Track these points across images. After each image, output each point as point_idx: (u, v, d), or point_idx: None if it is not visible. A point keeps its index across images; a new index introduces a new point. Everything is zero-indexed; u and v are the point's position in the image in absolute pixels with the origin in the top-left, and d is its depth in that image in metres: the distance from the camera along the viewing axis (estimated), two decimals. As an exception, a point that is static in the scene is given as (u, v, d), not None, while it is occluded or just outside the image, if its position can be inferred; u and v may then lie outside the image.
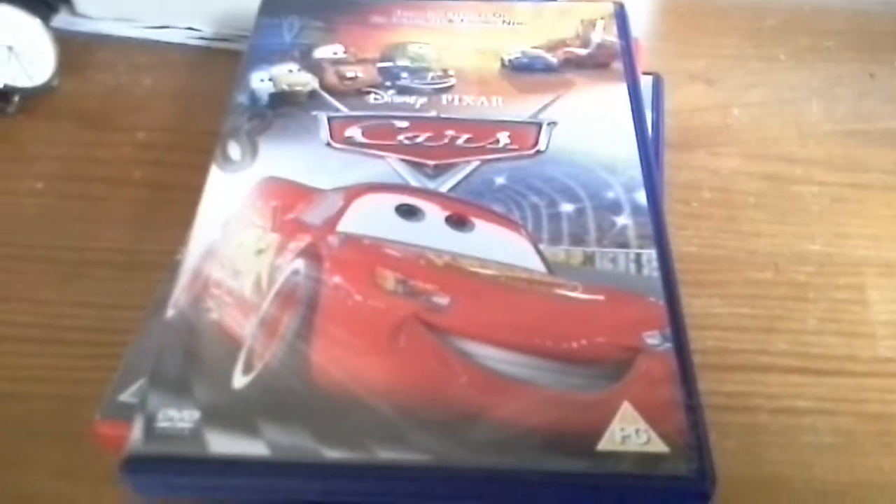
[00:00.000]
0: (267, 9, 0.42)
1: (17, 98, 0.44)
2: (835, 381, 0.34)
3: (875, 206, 0.41)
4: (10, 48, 0.44)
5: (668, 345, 0.28)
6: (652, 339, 0.28)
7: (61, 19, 0.50)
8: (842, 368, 0.34)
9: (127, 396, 0.29)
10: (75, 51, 0.48)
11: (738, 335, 0.35)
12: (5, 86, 0.43)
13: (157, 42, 0.49)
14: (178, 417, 0.26)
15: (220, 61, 0.48)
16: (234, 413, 0.26)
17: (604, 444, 0.26)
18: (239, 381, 0.27)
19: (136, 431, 0.26)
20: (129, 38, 0.49)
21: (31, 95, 0.45)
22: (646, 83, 0.43)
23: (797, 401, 0.33)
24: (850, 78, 0.48)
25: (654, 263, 0.31)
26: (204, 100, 0.45)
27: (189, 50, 0.49)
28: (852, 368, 0.34)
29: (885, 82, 0.47)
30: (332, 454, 0.25)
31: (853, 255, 0.38)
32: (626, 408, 0.26)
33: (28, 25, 0.45)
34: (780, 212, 0.40)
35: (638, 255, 0.31)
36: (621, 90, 0.38)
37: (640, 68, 0.41)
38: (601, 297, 0.30)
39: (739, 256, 0.38)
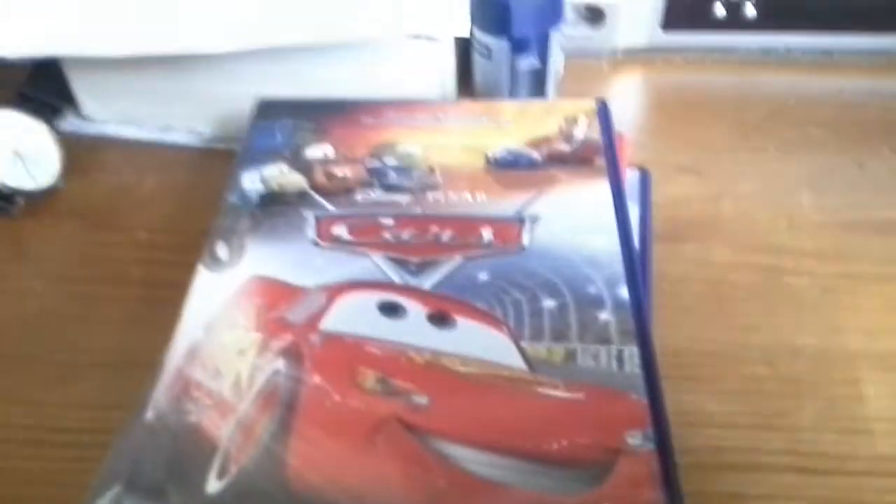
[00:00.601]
0: (261, 111, 0.44)
1: (21, 201, 0.46)
2: (832, 480, 0.33)
3: (867, 297, 0.40)
4: (15, 152, 0.45)
5: (651, 445, 0.28)
6: (634, 438, 0.28)
7: (67, 122, 0.52)
8: (840, 467, 0.33)
9: (104, 501, 0.29)
10: (80, 152, 0.50)
11: (731, 433, 0.34)
12: (10, 189, 0.45)
13: (160, 143, 0.51)
14: (151, 525, 0.26)
15: (219, 161, 0.49)
16: (206, 520, 0.26)
17: (584, 553, 0.25)
18: (213, 486, 0.27)
19: (108, 539, 0.26)
20: (133, 140, 0.51)
21: (36, 198, 0.46)
22: (632, 177, 0.44)
23: (793, 502, 0.32)
24: (839, 168, 0.48)
25: (637, 360, 0.31)
26: (203, 199, 0.46)
27: (190, 151, 0.51)
28: (851, 467, 0.33)
29: (874, 172, 0.48)
30: (305, 563, 0.25)
31: (847, 348, 0.38)
32: (607, 513, 0.26)
33: (34, 129, 0.46)
34: (773, 304, 0.40)
35: (620, 352, 0.31)
36: (604, 185, 0.38)
37: (625, 162, 0.41)
38: (582, 396, 0.30)
39: (732, 351, 0.38)
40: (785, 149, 0.49)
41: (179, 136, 0.51)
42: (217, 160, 0.49)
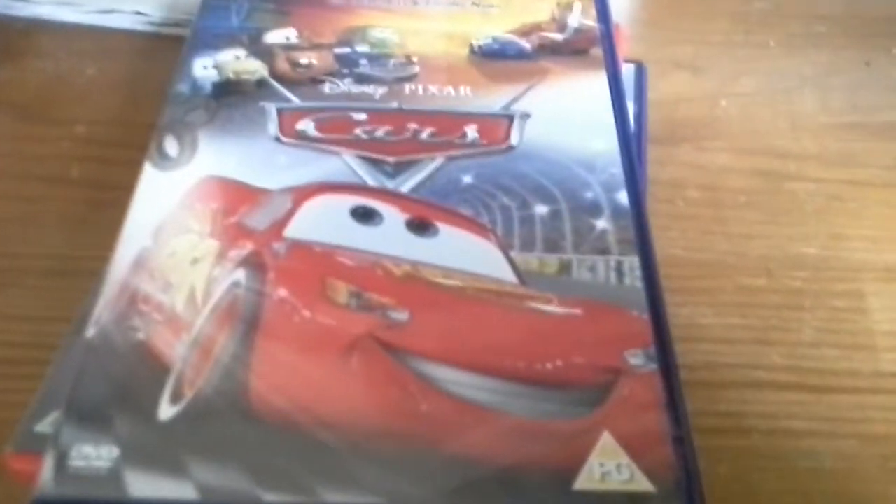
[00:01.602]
0: (215, -11, 0.39)
1: (-56, 88, 0.41)
2: (835, 398, 0.31)
3: (874, 205, 0.38)
4: (-66, 33, 0.40)
5: (653, 365, 0.25)
6: (635, 358, 0.25)
7: (-3, 2, 0.46)
8: (842, 385, 0.31)
9: (43, 426, 0.26)
10: (12, 37, 0.45)
11: (728, 348, 0.32)
12: (-71, 75, 0.40)
13: (102, 28, 0.46)
14: (95, 455, 0.23)
15: (169, 48, 0.44)
16: (158, 450, 0.23)
17: (581, 482, 0.23)
18: (165, 412, 0.24)
19: (47, 470, 0.23)
20: (72, 24, 0.46)
21: (-39, 86, 0.41)
22: (627, 72, 0.40)
23: (794, 421, 0.30)
24: (844, 66, 0.45)
25: (637, 272, 0.28)
26: (150, 90, 0.41)
27: (136, 36, 0.45)
28: (853, 384, 0.31)
29: (881, 71, 0.44)
30: (270, 497, 0.22)
31: (851, 258, 0.36)
32: (606, 439, 0.23)
33: (-44, 9, 0.41)
34: (773, 211, 0.37)
35: (619, 263, 0.28)
36: (601, 79, 0.35)
37: (621, 56, 0.38)
38: (578, 311, 0.27)
39: (729, 261, 0.35)
40: (788, 44, 0.46)
41: (123, 20, 0.46)
42: (165, 46, 0.44)
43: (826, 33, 0.47)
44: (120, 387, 0.24)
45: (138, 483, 0.22)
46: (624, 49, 0.40)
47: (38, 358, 0.30)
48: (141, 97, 0.42)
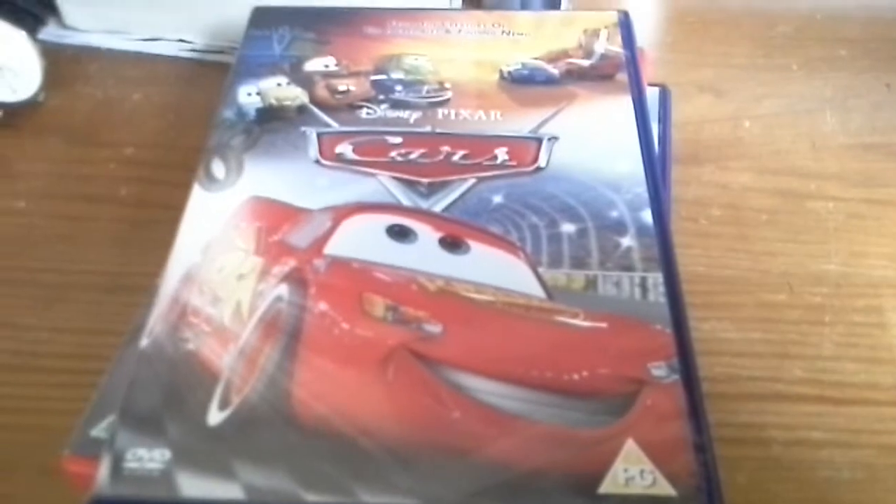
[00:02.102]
0: (257, 20, 0.41)
1: (0, 113, 0.43)
2: (854, 410, 0.32)
3: (893, 223, 0.39)
4: (-7, 62, 0.42)
5: (676, 376, 0.26)
6: (658, 370, 0.27)
7: (49, 32, 0.48)
8: (861, 397, 0.32)
9: (98, 431, 0.27)
10: (63, 64, 0.47)
11: (749, 361, 0.33)
12: (-11, 101, 0.42)
13: (148, 55, 0.48)
14: (148, 457, 0.24)
15: (211, 74, 0.46)
16: (207, 453, 0.24)
17: (606, 487, 0.24)
18: (214, 417, 0.25)
19: (103, 471, 0.24)
20: (119, 51, 0.48)
21: (16, 110, 0.44)
22: (652, 95, 0.41)
23: (813, 432, 0.31)
24: (865, 88, 0.46)
25: (661, 288, 0.29)
26: (194, 114, 0.44)
27: (180, 63, 0.48)
28: (873, 397, 0.32)
29: (902, 93, 0.45)
30: (313, 497, 0.24)
31: (871, 275, 0.36)
32: (630, 446, 0.25)
33: (14, 38, 0.43)
34: (794, 229, 0.38)
35: (643, 279, 0.29)
36: (626, 102, 0.36)
37: (645, 79, 0.39)
38: (604, 325, 0.28)
39: (751, 277, 0.36)
40: (809, 67, 0.47)
41: (168, 47, 0.48)
42: (209, 73, 0.47)
43: (847, 56, 0.48)
44: (171, 393, 0.26)
45: (189, 484, 0.24)
46: (648, 73, 0.41)
47: (85, 368, 0.32)
48: (184, 121, 0.44)
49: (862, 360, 0.33)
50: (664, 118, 0.41)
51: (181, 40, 0.48)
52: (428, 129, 0.35)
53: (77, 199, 0.41)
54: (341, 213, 0.31)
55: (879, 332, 0.34)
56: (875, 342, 0.34)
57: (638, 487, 0.24)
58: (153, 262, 0.32)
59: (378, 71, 0.38)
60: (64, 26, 0.49)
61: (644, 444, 0.24)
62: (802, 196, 0.40)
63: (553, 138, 0.34)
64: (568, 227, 0.31)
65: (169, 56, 0.48)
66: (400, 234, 0.31)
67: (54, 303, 0.36)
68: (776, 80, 0.46)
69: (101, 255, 0.38)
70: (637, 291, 0.29)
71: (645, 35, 0.47)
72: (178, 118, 0.44)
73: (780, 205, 0.40)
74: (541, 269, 0.30)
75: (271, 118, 0.35)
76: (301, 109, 0.36)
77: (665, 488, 0.24)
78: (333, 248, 0.30)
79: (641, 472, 0.24)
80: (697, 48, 0.49)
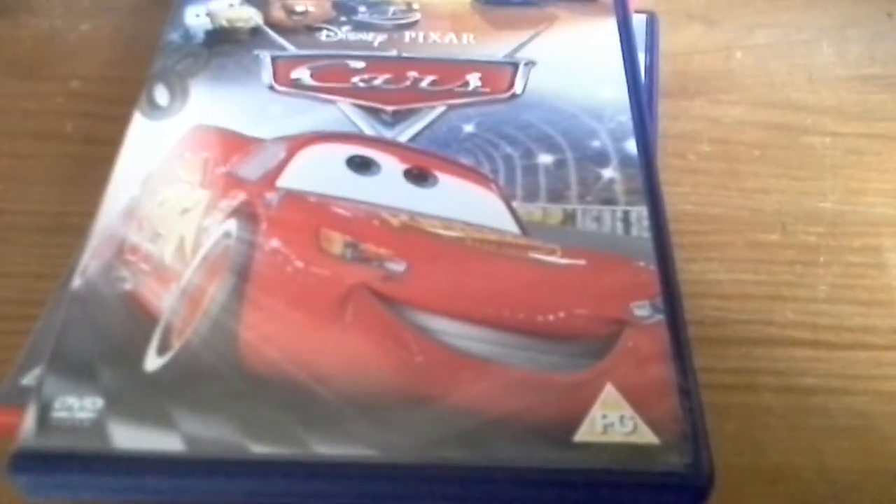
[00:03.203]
0: (210, -62, 0.37)
1: (-66, 43, 0.40)
2: (849, 355, 0.30)
3: (893, 159, 0.36)
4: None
5: (660, 316, 0.24)
6: (641, 309, 0.24)
7: (-10, -43, 0.45)
8: (857, 341, 0.30)
9: (29, 380, 0.25)
10: (5, -8, 0.44)
11: (740, 304, 0.31)
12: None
13: (98, -18, 0.45)
14: (79, 406, 0.22)
15: (165, 3, 0.43)
16: (144, 401, 0.22)
17: (582, 434, 0.22)
18: (152, 362, 0.23)
19: (29, 422, 0.22)
20: (67, -22, 0.45)
21: (-46, 41, 0.40)
22: (639, 23, 0.38)
23: (806, 378, 0.29)
24: (864, 18, 0.43)
25: (645, 222, 0.27)
26: (147, 46, 0.40)
27: (131, -10, 0.44)
28: (869, 341, 0.30)
29: (904, 22, 0.43)
30: (260, 449, 0.21)
31: (869, 213, 0.34)
32: (608, 391, 0.22)
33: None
34: (788, 165, 0.36)
35: (626, 213, 0.27)
36: (610, 25, 0.33)
37: (632, 6, 0.36)
38: (583, 262, 0.26)
39: (742, 216, 0.34)
40: (806, -5, 0.44)
41: (119, -26, 0.44)
42: (163, 2, 0.43)
43: (846, -16, 0.45)
44: (105, 338, 0.24)
45: (123, 434, 0.22)
46: (636, 0, 0.39)
47: (27, 314, 0.29)
48: (136, 53, 0.41)
49: (858, 302, 0.31)
50: (651, 47, 0.38)
51: (133, -34, 0.44)
52: (394, 52, 0.32)
53: (20, 135, 0.38)
54: (297, 142, 0.29)
55: (877, 273, 0.32)
56: (872, 283, 0.32)
57: (617, 435, 0.22)
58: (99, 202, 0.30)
59: (340, -9, 0.35)
60: (7, -48, 0.45)
61: (624, 388, 0.22)
62: (797, 130, 0.38)
63: (530, 63, 0.32)
64: (545, 158, 0.28)
65: (120, -17, 0.44)
66: (361, 165, 0.28)
67: (-8, 245, 0.33)
68: (771, 8, 0.44)
69: (46, 194, 0.35)
70: (619, 226, 0.27)
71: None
72: (129, 50, 0.41)
73: (773, 140, 0.37)
74: (515, 203, 0.27)
75: (221, 41, 0.33)
76: (254, 31, 0.33)
77: (646, 436, 0.22)
78: (287, 180, 0.27)
79: (621, 418, 0.22)
80: (688, -25, 0.46)
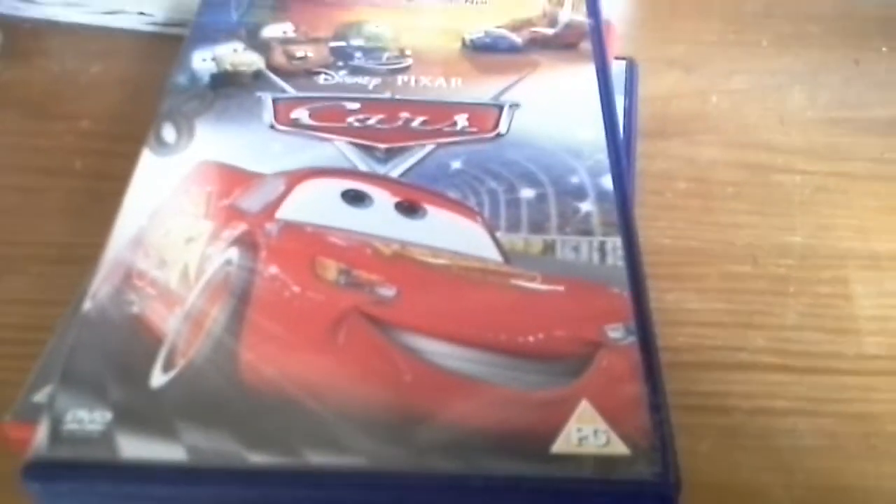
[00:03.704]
0: (215, -13, 0.40)
1: (-47, 85, 0.42)
2: (817, 379, 0.31)
3: (860, 196, 0.38)
4: (-55, 32, 0.41)
5: (632, 338, 0.26)
6: (615, 332, 0.26)
7: (6, 4, 0.47)
8: (824, 366, 0.32)
9: (40, 397, 0.26)
10: (20, 37, 0.46)
11: (713, 331, 0.33)
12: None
13: (107, 28, 0.47)
14: (89, 419, 0.23)
15: (172, 48, 0.45)
16: (149, 414, 0.24)
17: (559, 446, 0.23)
18: (158, 379, 0.24)
19: (41, 434, 0.23)
20: (78, 24, 0.47)
21: (-29, 83, 0.43)
22: (619, 68, 0.41)
23: (776, 401, 0.31)
24: (834, 64, 0.46)
25: (620, 252, 0.28)
26: (153, 87, 0.42)
27: (140, 36, 0.47)
28: (836, 366, 0.32)
29: (870, 68, 0.45)
30: (258, 458, 0.23)
31: (837, 247, 0.36)
32: (584, 406, 0.24)
33: (-33, 9, 0.42)
34: (760, 202, 0.38)
35: (602, 244, 0.29)
36: (589, 71, 0.35)
37: (612, 53, 0.39)
38: (561, 288, 0.27)
39: (716, 249, 0.36)
40: (779, 44, 0.47)
41: (128, 20, 0.47)
42: (169, 46, 0.45)
43: (817, 33, 0.48)
44: (114, 356, 0.25)
45: (130, 445, 0.23)
46: (616, 47, 0.41)
47: (36, 339, 0.30)
48: (143, 94, 0.43)
49: (826, 329, 0.33)
50: (630, 91, 0.40)
51: (141, 13, 0.47)
52: (387, 95, 0.34)
53: (31, 171, 0.40)
54: (295, 177, 0.30)
55: (844, 303, 0.34)
56: (839, 313, 0.34)
57: (591, 447, 0.23)
58: (106, 234, 0.31)
59: (337, 38, 0.37)
60: (22, -1, 0.48)
61: (598, 404, 0.24)
62: (769, 169, 0.40)
63: (514, 105, 0.34)
64: (527, 193, 0.30)
65: (129, 29, 0.47)
66: (355, 198, 0.30)
67: (5, 274, 0.35)
68: (746, 56, 0.46)
69: (55, 226, 0.37)
70: (595, 255, 0.28)
71: (613, 9, 0.46)
72: (137, 91, 0.43)
73: (746, 178, 0.39)
74: (499, 234, 0.29)
75: (226, 83, 0.35)
76: (257, 75, 0.35)
77: (618, 447, 0.23)
78: (286, 212, 0.29)
79: (595, 431, 0.23)
80: (667, 24, 0.48)
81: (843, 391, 0.31)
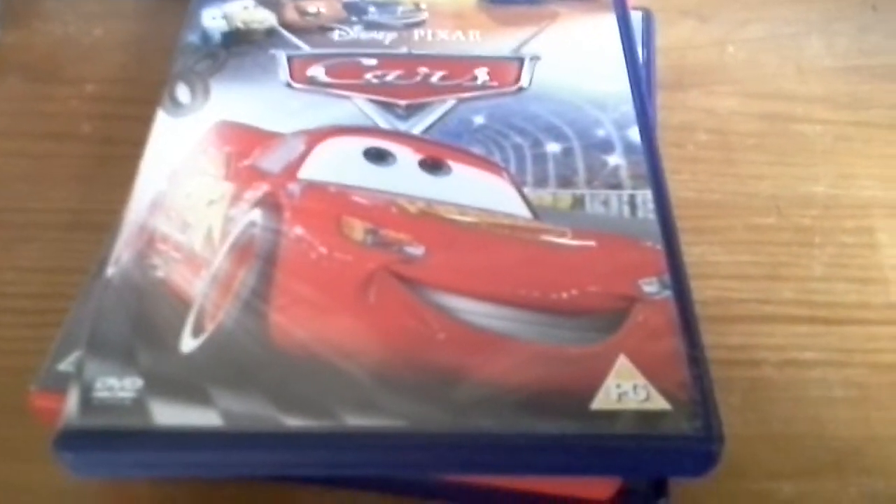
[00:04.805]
0: (221, -57, 0.38)
1: (-49, 50, 0.41)
2: (845, 329, 0.31)
3: (881, 145, 0.38)
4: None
5: (668, 292, 0.26)
6: (649, 286, 0.26)
7: (1, -34, 0.46)
8: (852, 316, 0.32)
9: (66, 365, 0.26)
10: (21, 1, 0.44)
11: (739, 284, 0.33)
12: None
13: (108, -12, 0.46)
14: (119, 386, 0.23)
15: (175, 7, 0.43)
16: (181, 380, 0.23)
17: (598, 403, 0.23)
18: (188, 344, 0.24)
19: (72, 403, 0.23)
20: (77, -15, 0.46)
21: (-31, 48, 0.41)
22: (635, 20, 0.40)
23: (805, 352, 0.31)
24: (850, 11, 0.45)
25: (650, 205, 0.28)
26: (158, 48, 0.42)
27: (142, -4, 0.45)
28: (863, 316, 0.32)
29: (888, 15, 0.44)
30: (294, 422, 0.22)
31: (860, 196, 0.36)
32: (622, 362, 0.24)
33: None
34: (781, 152, 0.38)
35: (632, 197, 0.28)
36: (610, 20, 0.35)
37: (629, 1, 0.38)
38: (592, 243, 0.27)
39: (739, 201, 0.36)
40: (795, -10, 0.46)
41: (129, -20, 0.45)
42: (172, 6, 0.44)
43: (833, -21, 0.47)
44: (141, 322, 0.25)
45: (163, 412, 0.23)
46: (630, -2, 0.40)
47: (54, 307, 0.30)
48: (148, 55, 0.42)
49: (852, 280, 0.33)
50: (648, 42, 0.39)
51: (142, -28, 0.45)
52: (404, 50, 0.33)
53: (39, 137, 0.39)
54: (315, 136, 0.30)
55: (869, 253, 0.34)
56: (865, 262, 0.34)
57: (631, 402, 0.23)
58: (119, 199, 0.30)
59: (350, -8, 0.36)
60: (17, -40, 0.46)
61: (636, 359, 0.24)
62: (789, 119, 0.39)
63: (535, 58, 0.33)
64: (553, 147, 0.30)
65: (130, -11, 0.45)
66: (378, 156, 0.29)
67: (18, 242, 0.34)
68: (761, 4, 0.45)
69: (65, 192, 0.36)
70: (626, 209, 0.28)
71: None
72: (142, 53, 0.42)
73: (766, 128, 0.39)
74: (526, 190, 0.29)
75: (238, 42, 0.34)
76: (269, 32, 0.34)
77: (658, 402, 0.23)
78: (308, 172, 0.29)
79: (634, 387, 0.23)
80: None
81: (871, 341, 0.31)
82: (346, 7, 0.35)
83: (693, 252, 0.33)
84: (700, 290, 0.31)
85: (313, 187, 0.28)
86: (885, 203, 0.35)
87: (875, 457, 0.28)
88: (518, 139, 0.30)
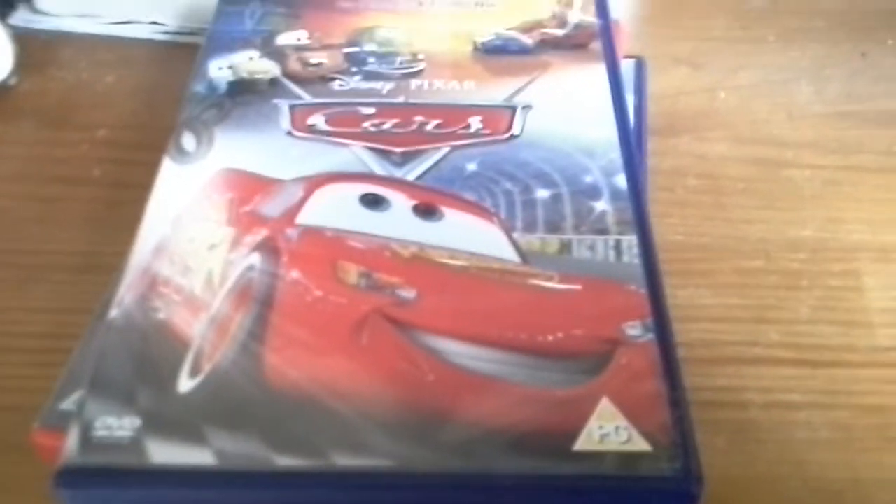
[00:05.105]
0: (228, -3, 0.40)
1: (-29, 97, 0.42)
2: (831, 372, 0.32)
3: (869, 189, 0.39)
4: (-38, 45, 0.42)
5: (650, 335, 0.26)
6: (633, 329, 0.26)
7: (20, 17, 0.48)
8: (838, 359, 0.32)
9: (68, 404, 0.27)
10: (35, 49, 0.46)
11: (727, 326, 0.33)
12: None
13: (120, 38, 0.47)
14: (118, 425, 0.24)
15: (185, 56, 0.45)
16: (178, 419, 0.24)
17: (581, 444, 0.24)
18: (185, 384, 0.25)
19: (72, 441, 0.24)
20: (92, 35, 0.48)
21: (-12, 94, 0.43)
22: (628, 67, 0.41)
23: (791, 394, 0.31)
24: (840, 58, 0.46)
25: (635, 250, 0.29)
26: (167, 95, 0.43)
27: (153, 45, 0.47)
28: (849, 359, 0.32)
29: (876, 61, 0.45)
30: (285, 461, 0.23)
31: (847, 240, 0.37)
32: (604, 404, 0.24)
33: (-17, 22, 0.43)
34: (771, 197, 0.38)
35: (618, 242, 0.29)
36: (600, 71, 0.36)
37: (621, 51, 0.39)
38: (578, 287, 0.28)
39: (728, 244, 0.36)
40: (786, 39, 0.47)
41: (141, 30, 0.47)
42: (182, 55, 0.46)
43: (824, 27, 0.48)
44: (141, 362, 0.26)
45: (159, 450, 0.23)
46: (624, 46, 0.41)
47: (60, 347, 0.31)
48: (158, 102, 0.43)
49: (838, 323, 0.33)
50: (640, 89, 0.41)
51: (154, 23, 0.47)
52: (401, 99, 0.35)
53: (50, 181, 0.40)
54: (313, 182, 0.31)
55: (856, 296, 0.34)
56: (851, 305, 0.34)
57: (613, 444, 0.23)
58: (127, 242, 0.31)
59: (351, 44, 0.38)
60: (35, 11, 0.48)
61: (618, 401, 0.24)
62: (779, 164, 0.40)
63: (527, 107, 0.34)
64: (542, 193, 0.31)
65: (142, 39, 0.47)
66: (373, 202, 0.30)
67: (28, 283, 0.35)
68: (753, 51, 0.46)
69: (75, 235, 0.37)
70: (611, 254, 0.29)
71: (621, 8, 0.47)
72: (152, 100, 0.44)
73: (756, 173, 0.40)
74: (515, 234, 0.29)
75: (243, 91, 0.35)
76: (273, 82, 0.36)
77: (639, 444, 0.23)
78: (306, 217, 0.30)
79: (616, 428, 0.24)
80: (674, 22, 0.49)
81: (856, 384, 0.31)
82: (347, 58, 0.37)
83: (681, 295, 0.34)
84: (687, 333, 0.32)
85: (310, 232, 0.29)
86: (872, 247, 0.36)
87: (859, 499, 0.28)
88: (508, 185, 0.31)
